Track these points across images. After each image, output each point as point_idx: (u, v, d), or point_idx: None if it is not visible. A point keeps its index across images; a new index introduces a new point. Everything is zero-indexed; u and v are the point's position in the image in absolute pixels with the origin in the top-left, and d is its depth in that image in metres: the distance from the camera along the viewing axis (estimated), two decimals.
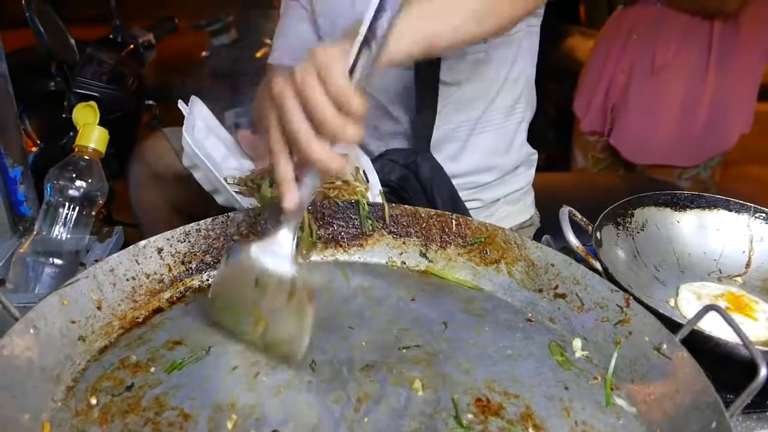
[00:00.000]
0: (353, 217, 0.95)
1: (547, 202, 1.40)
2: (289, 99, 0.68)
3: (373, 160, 1.23)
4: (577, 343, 0.79)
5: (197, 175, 1.04)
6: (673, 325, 0.71)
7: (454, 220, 0.93)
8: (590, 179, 1.95)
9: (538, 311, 0.84)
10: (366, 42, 0.67)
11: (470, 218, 0.92)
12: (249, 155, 1.18)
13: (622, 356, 0.75)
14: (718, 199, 0.95)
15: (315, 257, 0.94)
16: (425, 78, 1.17)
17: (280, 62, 1.32)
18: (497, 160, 1.29)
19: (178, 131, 1.39)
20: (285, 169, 0.70)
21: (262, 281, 0.74)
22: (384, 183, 1.19)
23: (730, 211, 0.95)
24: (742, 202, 0.94)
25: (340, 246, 0.95)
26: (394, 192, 1.19)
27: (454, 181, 1.22)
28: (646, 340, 0.73)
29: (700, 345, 0.72)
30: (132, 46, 1.80)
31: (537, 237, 1.35)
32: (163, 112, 2.02)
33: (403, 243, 0.94)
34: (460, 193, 1.24)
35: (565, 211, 0.87)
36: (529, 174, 1.36)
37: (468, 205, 1.28)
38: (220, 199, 1.06)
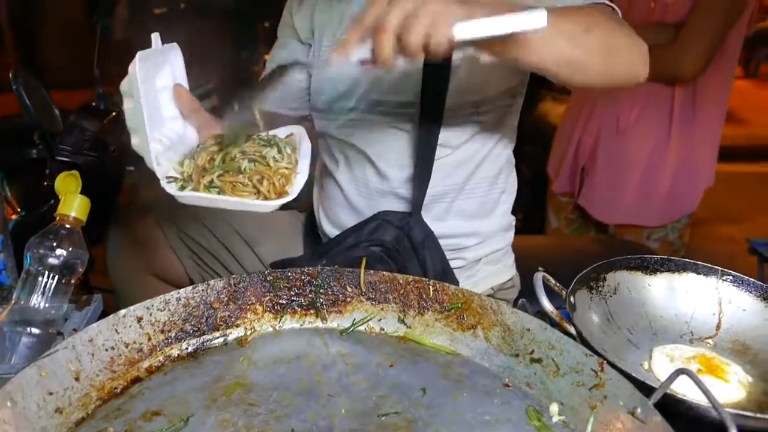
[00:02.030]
0: (332, 284, 0.96)
1: (523, 265, 1.43)
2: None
3: (368, 220, 1.26)
4: (554, 408, 0.80)
5: (127, 105, 0.93)
6: (647, 389, 0.73)
7: (431, 286, 0.94)
8: (564, 242, 1.99)
9: (515, 376, 0.85)
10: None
11: (447, 284, 0.93)
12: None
13: (598, 421, 0.75)
14: (687, 262, 0.98)
15: (294, 324, 0.95)
16: (427, 138, 1.21)
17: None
18: (478, 226, 1.32)
19: (159, 199, 1.40)
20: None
21: None
22: (377, 243, 1.21)
23: (699, 274, 0.97)
24: (709, 265, 0.97)
25: (319, 313, 0.95)
26: (387, 252, 1.21)
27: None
28: (621, 405, 0.74)
29: (673, 408, 0.73)
30: (114, 114, 1.82)
31: (518, 300, 1.37)
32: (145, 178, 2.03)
33: (382, 309, 0.95)
34: (445, 253, 1.26)
35: (539, 276, 0.89)
36: (508, 236, 1.39)
37: (451, 264, 1.30)
38: (134, 141, 0.95)
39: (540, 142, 2.58)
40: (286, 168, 0.97)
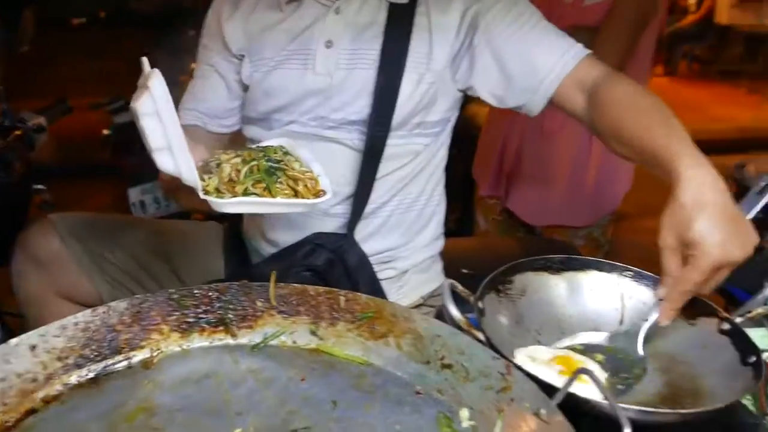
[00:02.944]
0: (242, 299, 0.94)
1: (452, 270, 1.44)
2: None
3: (301, 243, 1.24)
4: (464, 414, 0.80)
5: (148, 125, 0.87)
6: (552, 390, 0.74)
7: (342, 297, 0.94)
8: (491, 244, 2.02)
9: (426, 383, 0.85)
10: None
11: (359, 294, 0.93)
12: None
13: (506, 423, 0.76)
14: (590, 260, 1.01)
15: (202, 342, 0.93)
16: (370, 156, 1.21)
17: (193, 123, 1.32)
18: (413, 239, 1.34)
19: (67, 217, 1.36)
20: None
21: None
22: (309, 267, 1.20)
23: (601, 271, 1.00)
24: (610, 262, 1.00)
25: (229, 330, 0.93)
26: (319, 276, 1.20)
27: (370, 257, 1.26)
28: (527, 406, 0.75)
29: (577, 408, 0.75)
30: (20, 131, 1.75)
31: None
32: (56, 195, 1.96)
33: (293, 322, 0.94)
34: (375, 266, 1.27)
35: (446, 284, 0.90)
36: (438, 244, 1.41)
37: (382, 275, 1.31)
38: (162, 160, 0.89)
39: (468, 144, 2.60)
40: (309, 172, 1.00)
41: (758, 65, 7.86)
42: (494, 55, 1.17)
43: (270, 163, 0.97)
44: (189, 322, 0.93)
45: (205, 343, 0.93)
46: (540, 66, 1.15)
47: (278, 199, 0.94)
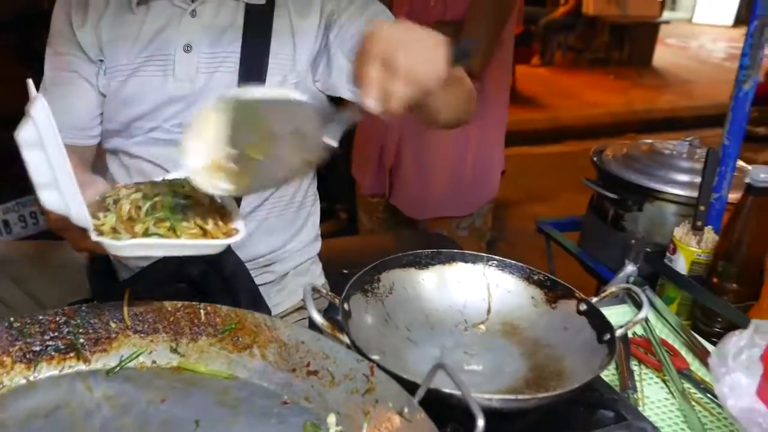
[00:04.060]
0: (93, 320, 0.88)
1: (333, 271, 1.43)
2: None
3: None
4: (332, 419, 0.79)
5: (32, 157, 0.74)
6: (415, 387, 0.74)
7: (202, 310, 0.90)
8: (372, 242, 2.02)
9: (293, 392, 0.83)
10: None
11: (219, 306, 0.90)
12: None
13: (372, 426, 0.75)
14: (455, 253, 1.02)
15: (52, 372, 0.86)
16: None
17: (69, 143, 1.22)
18: (289, 241, 1.32)
19: None
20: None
21: None
22: (183, 279, 1.14)
23: (467, 262, 1.02)
24: (475, 253, 1.02)
25: (81, 355, 0.87)
26: (195, 287, 1.13)
27: (247, 262, 1.21)
28: (390, 406, 0.74)
29: (440, 402, 0.75)
30: None
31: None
32: None
33: (151, 341, 0.89)
34: (252, 271, 1.22)
35: (308, 288, 0.88)
36: (316, 246, 1.39)
37: (261, 279, 1.27)
38: (46, 196, 0.77)
39: (348, 141, 2.61)
40: (222, 207, 0.88)
41: (624, 53, 8.37)
42: (347, 55, 1.16)
43: (176, 199, 0.86)
44: (35, 351, 0.86)
45: (55, 372, 0.86)
46: None
47: (183, 241, 0.83)
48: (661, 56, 8.77)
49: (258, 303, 1.18)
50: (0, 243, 1.40)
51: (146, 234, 0.82)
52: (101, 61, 1.20)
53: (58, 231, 0.86)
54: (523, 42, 6.37)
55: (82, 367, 0.87)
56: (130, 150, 1.22)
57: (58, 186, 0.76)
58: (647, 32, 8.44)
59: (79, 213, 0.79)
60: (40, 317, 0.87)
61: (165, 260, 1.18)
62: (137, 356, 0.88)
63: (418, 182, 2.19)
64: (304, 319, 1.35)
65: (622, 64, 8.20)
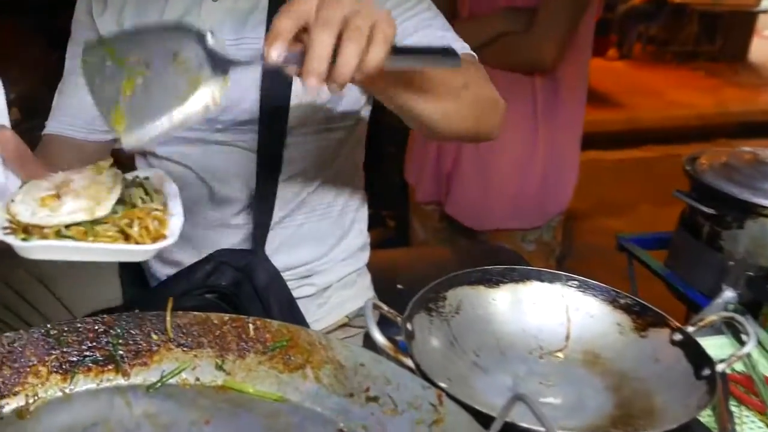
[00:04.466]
0: (133, 331, 0.91)
1: (383, 285, 1.44)
2: None
3: (202, 262, 1.20)
4: None
5: None
6: (488, 419, 0.74)
7: (251, 324, 0.92)
8: (428, 255, 2.03)
9: (350, 419, 0.84)
10: None
11: (269, 321, 0.91)
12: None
13: None
14: (530, 270, 1.02)
15: (89, 385, 0.89)
16: (268, 160, 1.19)
17: (70, 135, 1.28)
18: (332, 249, 1.32)
19: None
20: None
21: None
22: (213, 289, 1.17)
23: (543, 281, 1.01)
24: (553, 271, 1.01)
25: (120, 368, 0.90)
26: (225, 299, 1.17)
27: (284, 272, 1.23)
28: None
29: None
30: None
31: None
32: None
33: (195, 356, 0.92)
34: (289, 282, 1.25)
35: (368, 304, 0.89)
36: (363, 256, 1.40)
37: (299, 293, 1.28)
38: None
39: (403, 140, 2.61)
40: (158, 210, 0.89)
41: (715, 46, 8.19)
42: None
43: None
44: (72, 362, 0.89)
45: (92, 386, 0.89)
46: None
47: (99, 245, 0.83)
48: (759, 50, 8.56)
49: (295, 318, 1.20)
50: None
51: (58, 236, 0.82)
52: None
53: None
54: (598, 32, 6.30)
55: (121, 381, 0.90)
56: (156, 151, 1.26)
57: None
58: (743, 22, 8.27)
59: None
60: (78, 325, 0.90)
61: (193, 268, 1.21)
62: (179, 372, 0.91)
63: (479, 189, 2.18)
64: (348, 338, 1.36)
65: (714, 58, 8.03)
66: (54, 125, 1.28)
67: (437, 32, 1.13)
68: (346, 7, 0.72)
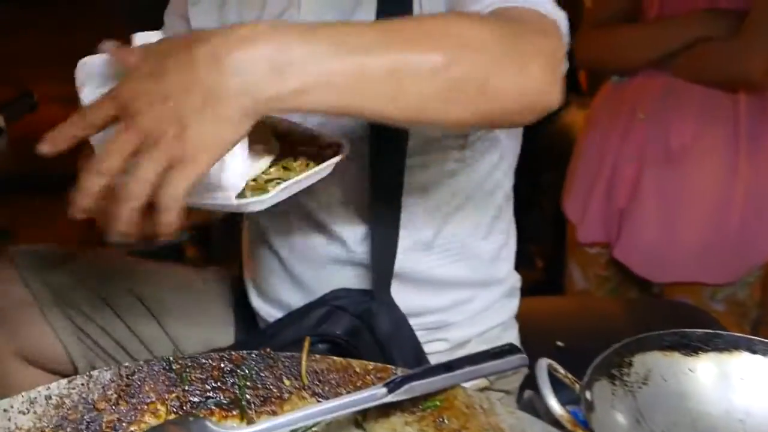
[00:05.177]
0: (263, 373, 0.97)
1: (534, 341, 1.44)
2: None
3: (314, 305, 1.25)
4: None
5: None
6: None
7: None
8: (591, 306, 2.00)
9: None
10: None
11: None
12: None
13: None
14: (739, 337, 0.99)
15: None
16: (386, 182, 1.20)
17: None
18: (471, 295, 1.32)
19: (30, 251, 1.40)
20: None
21: None
22: (326, 339, 1.20)
23: (755, 353, 0.99)
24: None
25: (245, 415, 0.96)
26: (339, 349, 1.19)
27: (411, 321, 1.25)
28: None
29: None
30: None
31: (523, 391, 1.37)
32: (11, 216, 2.02)
33: None
34: (418, 333, 1.27)
35: (543, 366, 0.90)
36: (511, 305, 1.39)
37: (431, 347, 1.29)
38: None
39: (563, 166, 2.60)
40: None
41: None
42: None
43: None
44: (193, 402, 0.95)
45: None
46: None
47: (312, 170, 1.01)
48: None
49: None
50: (130, 261, 1.55)
51: (267, 182, 0.98)
52: None
53: None
54: None
55: (244, 429, 0.95)
56: None
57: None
58: None
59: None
60: (203, 360, 0.96)
61: (304, 311, 1.25)
62: (314, 426, 0.95)
63: (660, 230, 2.14)
64: None
65: None
66: None
67: None
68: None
